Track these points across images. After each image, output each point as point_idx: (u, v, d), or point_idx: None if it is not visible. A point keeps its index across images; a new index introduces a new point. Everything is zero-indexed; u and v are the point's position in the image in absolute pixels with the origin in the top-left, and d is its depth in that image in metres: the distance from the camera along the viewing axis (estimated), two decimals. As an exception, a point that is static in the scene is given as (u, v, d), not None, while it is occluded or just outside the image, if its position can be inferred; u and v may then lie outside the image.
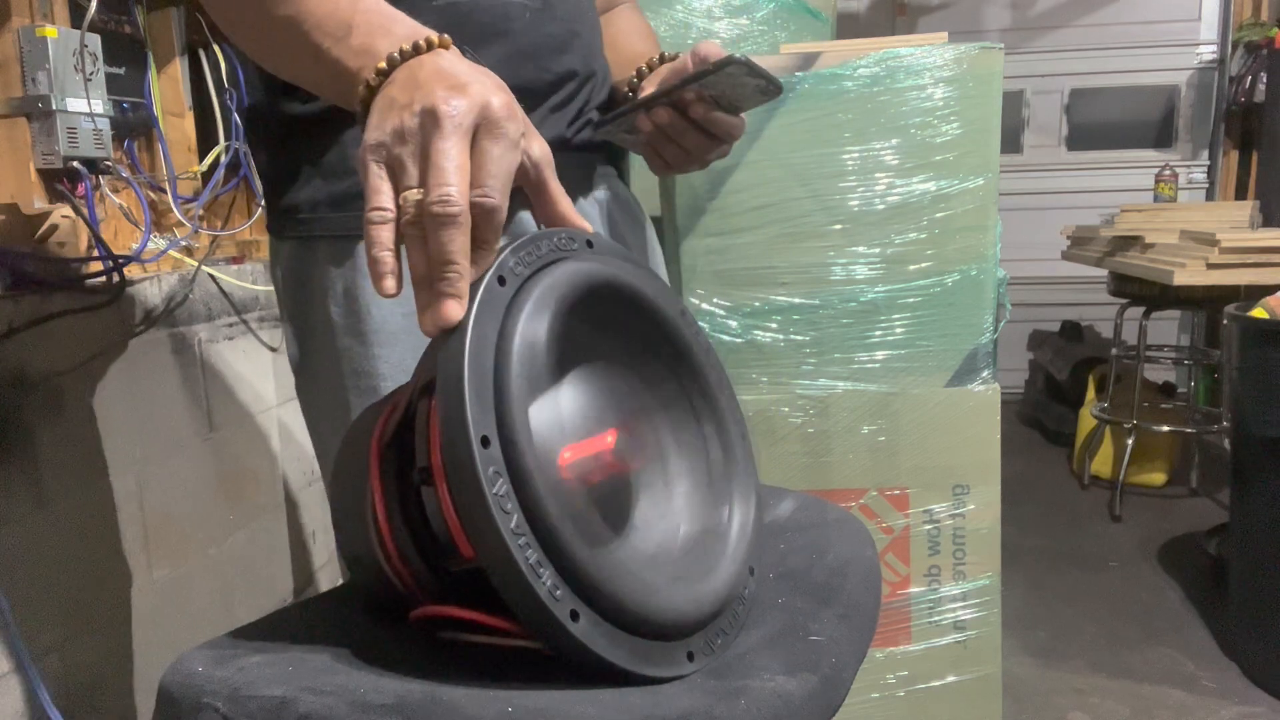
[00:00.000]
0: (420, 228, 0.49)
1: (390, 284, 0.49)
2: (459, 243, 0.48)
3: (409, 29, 0.58)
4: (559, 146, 0.81)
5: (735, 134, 0.84)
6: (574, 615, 0.47)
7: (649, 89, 0.87)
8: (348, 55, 0.58)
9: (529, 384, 0.48)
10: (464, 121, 0.49)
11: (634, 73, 0.91)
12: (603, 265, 0.56)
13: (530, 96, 0.78)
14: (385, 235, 0.49)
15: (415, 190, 0.49)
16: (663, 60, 0.91)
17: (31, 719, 1.12)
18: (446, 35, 0.57)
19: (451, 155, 0.48)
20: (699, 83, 0.78)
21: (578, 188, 0.86)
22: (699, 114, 0.80)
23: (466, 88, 0.50)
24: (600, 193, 0.89)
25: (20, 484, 1.13)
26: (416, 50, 0.55)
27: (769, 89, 0.80)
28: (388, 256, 0.49)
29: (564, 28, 0.81)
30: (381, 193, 0.50)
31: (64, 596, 1.20)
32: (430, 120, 0.49)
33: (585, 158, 0.87)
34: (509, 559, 0.45)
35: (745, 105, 0.83)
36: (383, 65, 0.55)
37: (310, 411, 0.86)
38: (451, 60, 0.54)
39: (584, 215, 0.86)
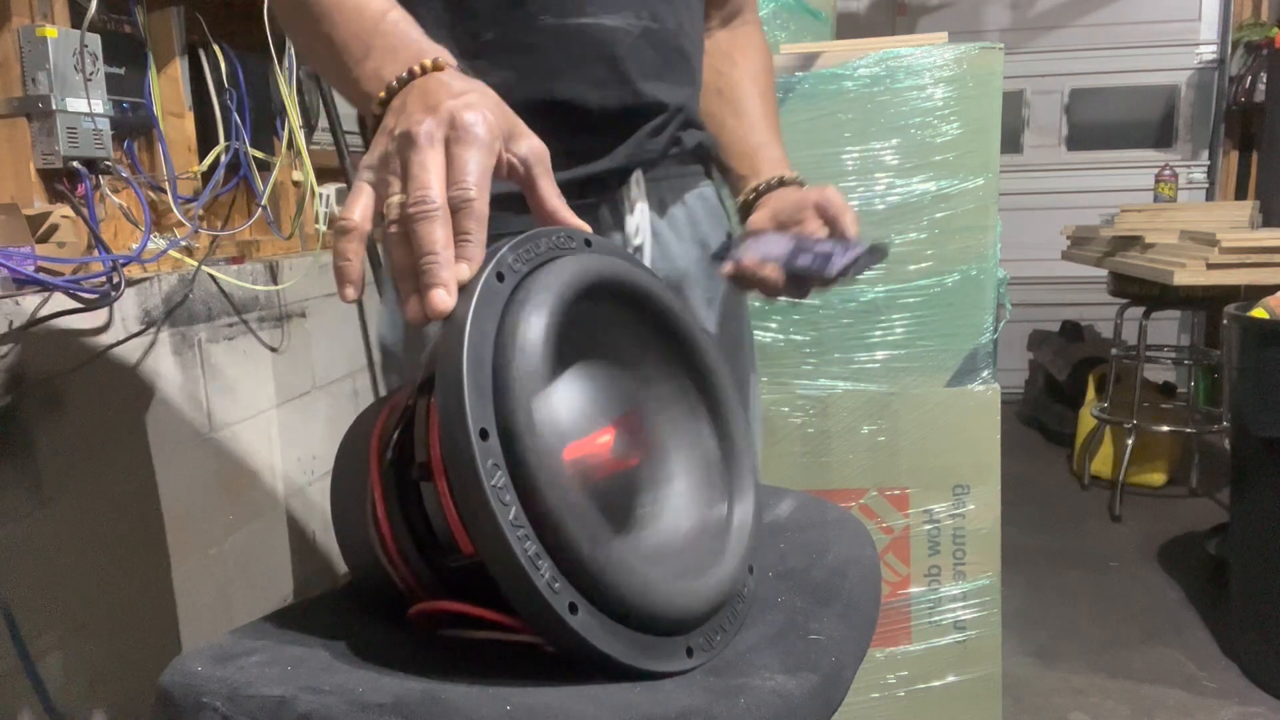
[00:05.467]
0: (403, 226, 0.51)
1: (349, 291, 0.53)
2: (438, 234, 0.50)
3: (413, 52, 0.60)
4: (655, 164, 0.85)
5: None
6: (572, 608, 0.47)
7: (762, 224, 0.87)
8: (365, 78, 0.62)
9: (527, 378, 0.48)
10: (434, 133, 0.52)
11: (748, 190, 0.92)
12: (601, 262, 0.56)
13: (628, 118, 0.82)
14: (345, 246, 0.53)
15: (397, 196, 0.52)
16: (781, 184, 0.91)
17: (31, 719, 1.12)
18: (441, 57, 0.59)
19: (426, 164, 0.51)
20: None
21: (669, 195, 0.89)
22: (792, 290, 0.80)
23: (437, 107, 0.53)
24: (690, 195, 0.92)
25: (20, 484, 1.13)
26: (412, 75, 0.58)
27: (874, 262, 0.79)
28: (344, 265, 0.53)
29: (664, 53, 0.83)
30: (353, 206, 0.54)
31: (64, 596, 1.20)
32: (405, 141, 0.53)
33: (674, 167, 0.90)
34: (507, 550, 0.45)
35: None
36: (382, 95, 0.59)
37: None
38: (442, 80, 0.56)
39: (673, 221, 0.89)
